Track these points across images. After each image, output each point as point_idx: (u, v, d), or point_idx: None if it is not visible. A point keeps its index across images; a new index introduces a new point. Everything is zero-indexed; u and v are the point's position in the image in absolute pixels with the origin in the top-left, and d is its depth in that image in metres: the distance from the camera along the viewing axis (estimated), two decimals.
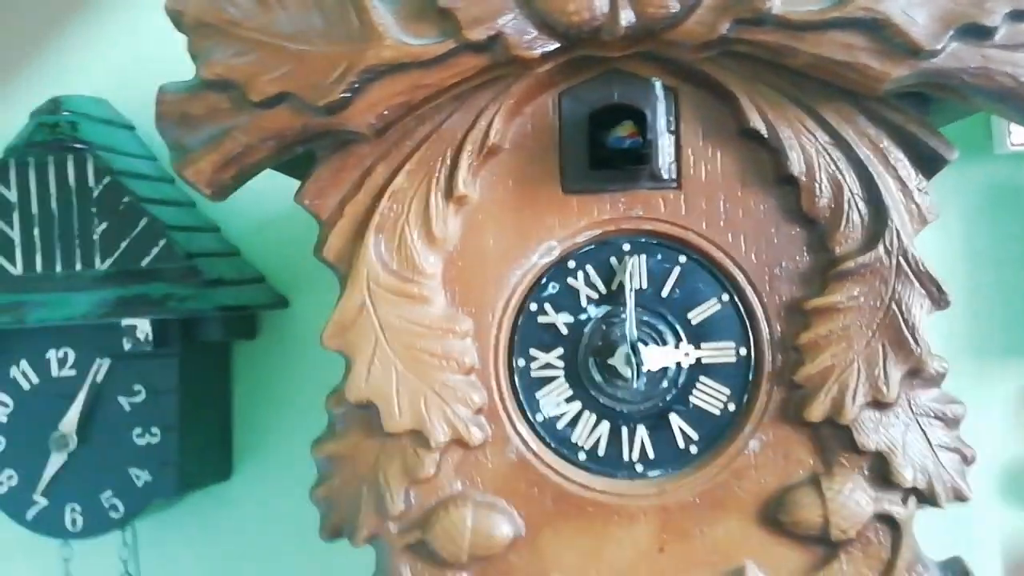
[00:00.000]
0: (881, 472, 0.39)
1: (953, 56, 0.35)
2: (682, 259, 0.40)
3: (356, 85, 0.35)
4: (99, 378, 0.51)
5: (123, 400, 0.51)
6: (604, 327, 0.40)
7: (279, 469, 0.58)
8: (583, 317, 0.40)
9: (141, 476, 0.52)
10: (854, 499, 0.38)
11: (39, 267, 0.51)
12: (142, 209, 0.51)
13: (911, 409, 0.39)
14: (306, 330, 0.56)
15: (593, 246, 0.40)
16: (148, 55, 0.54)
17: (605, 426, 0.41)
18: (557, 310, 0.40)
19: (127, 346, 0.49)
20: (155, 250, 0.50)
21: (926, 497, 0.39)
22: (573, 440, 0.41)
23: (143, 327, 0.49)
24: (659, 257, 0.40)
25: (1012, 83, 0.35)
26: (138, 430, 0.51)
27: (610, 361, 0.40)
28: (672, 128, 0.39)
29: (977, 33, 0.35)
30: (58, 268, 0.51)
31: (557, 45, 0.36)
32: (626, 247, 0.40)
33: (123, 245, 0.50)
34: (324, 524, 0.41)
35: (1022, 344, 0.55)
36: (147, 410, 0.51)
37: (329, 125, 0.36)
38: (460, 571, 0.40)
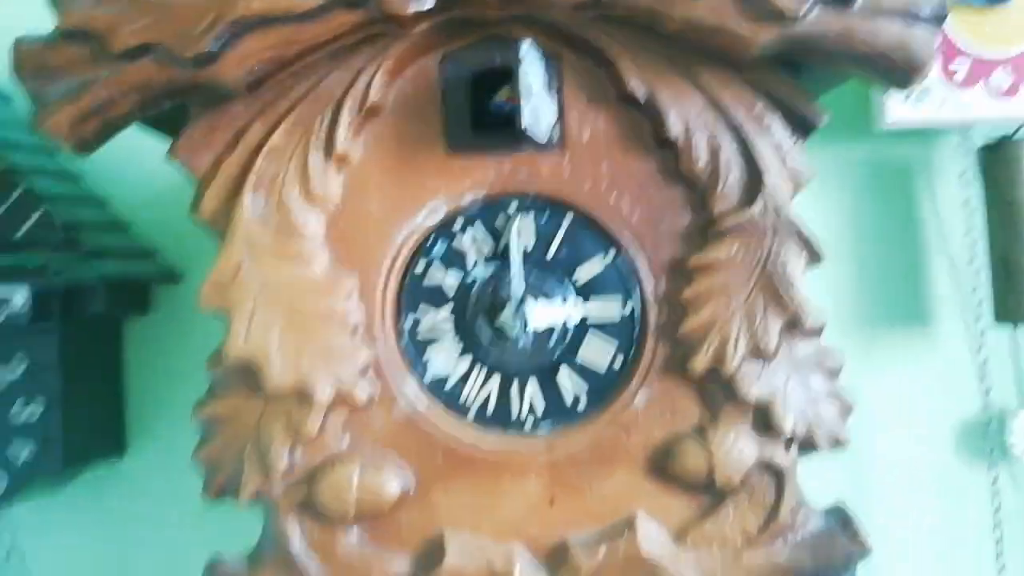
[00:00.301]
0: (763, 421, 0.40)
1: (817, 22, 0.36)
2: (568, 219, 0.40)
3: (225, 37, 0.34)
4: None
5: (3, 373, 0.49)
6: (492, 286, 0.40)
7: (175, 443, 0.56)
8: (471, 277, 0.40)
9: (23, 452, 0.49)
10: (738, 448, 0.39)
11: None
12: (15, 178, 0.48)
13: (791, 359, 0.40)
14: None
15: (479, 207, 0.40)
16: (20, 21, 0.51)
17: (494, 384, 0.41)
18: (445, 270, 0.40)
19: (2, 318, 0.47)
20: (31, 221, 0.48)
21: (806, 444, 0.40)
22: (462, 399, 0.41)
23: (20, 297, 0.46)
24: (545, 217, 0.40)
25: (870, 49, 0.36)
26: (18, 405, 0.49)
27: (498, 319, 0.40)
28: (556, 92, 0.39)
29: (838, 0, 0.36)
30: None
31: (432, 4, 0.35)
32: (512, 207, 0.40)
33: None
34: (208, 484, 0.40)
35: (904, 314, 0.57)
36: (28, 384, 0.49)
37: (197, 79, 0.35)
38: (349, 528, 0.39)
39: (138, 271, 0.52)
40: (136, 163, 0.55)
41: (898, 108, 0.51)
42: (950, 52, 0.51)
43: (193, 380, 0.53)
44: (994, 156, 0.52)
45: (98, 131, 0.35)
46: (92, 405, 0.53)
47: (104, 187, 0.57)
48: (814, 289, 0.55)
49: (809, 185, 0.56)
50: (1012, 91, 0.51)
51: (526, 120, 0.36)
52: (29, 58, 0.35)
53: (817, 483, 0.42)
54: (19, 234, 0.48)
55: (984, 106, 0.51)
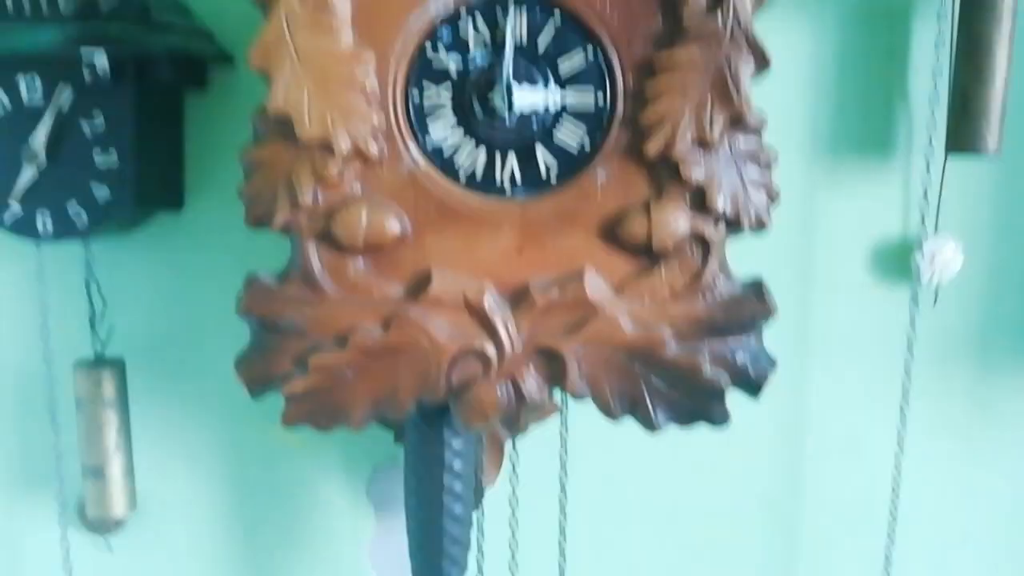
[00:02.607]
0: (699, 200, 0.48)
1: None
2: (557, 16, 0.47)
3: None
4: (63, 105, 0.59)
5: (84, 124, 0.59)
6: (486, 70, 0.48)
7: (225, 204, 0.66)
8: (470, 61, 0.48)
9: (102, 191, 0.60)
10: (675, 219, 0.48)
11: (9, 5, 0.57)
12: None
13: (731, 151, 0.48)
14: (251, 86, 0.63)
15: (482, 1, 0.47)
16: None
17: (482, 153, 0.49)
18: (448, 54, 0.48)
19: (87, 78, 0.56)
20: None
21: (733, 222, 0.49)
22: (456, 163, 0.49)
23: (101, 60, 0.56)
24: (537, 14, 0.47)
25: None
26: (98, 150, 0.59)
27: (489, 99, 0.48)
28: None
29: None
30: (26, 7, 0.57)
31: None
32: (510, 3, 0.47)
33: None
34: (248, 214, 0.50)
35: (868, 140, 0.63)
36: (106, 134, 0.59)
37: None
38: (357, 257, 0.49)
39: (198, 48, 0.61)
40: None
41: None
42: None
43: (239, 148, 0.62)
44: None
45: None
46: (157, 160, 0.63)
47: None
48: (789, 111, 0.62)
49: (794, 16, 0.62)
50: None
51: None
52: None
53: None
54: (103, 8, 0.56)
55: None
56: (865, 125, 0.63)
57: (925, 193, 0.61)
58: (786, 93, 0.62)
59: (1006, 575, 0.69)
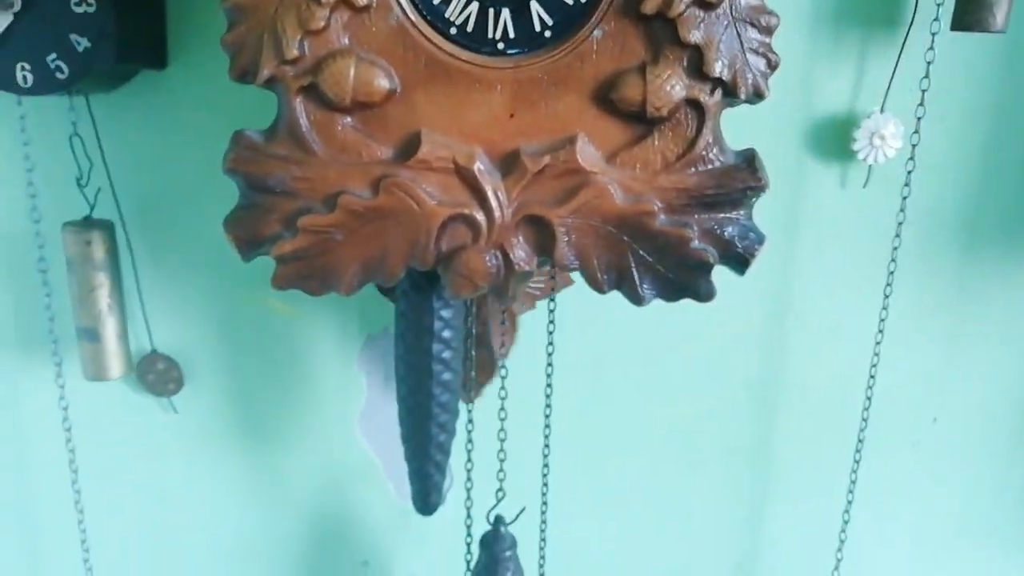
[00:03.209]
0: (696, 64, 0.46)
1: None
2: None
3: None
4: None
5: None
6: None
7: (210, 59, 0.64)
8: None
9: (81, 42, 0.58)
10: (670, 83, 0.46)
11: None
12: None
13: (731, 13, 0.46)
14: None
15: None
16: None
17: (474, 6, 0.47)
18: None
19: None
20: None
21: (730, 89, 0.47)
22: (446, 15, 0.47)
23: None
24: None
25: None
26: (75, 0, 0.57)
27: None
28: None
29: None
30: None
31: None
32: None
33: None
34: (232, 66, 0.48)
35: (862, 10, 0.61)
36: None
37: None
38: (345, 114, 0.48)
39: None
40: None
41: None
42: None
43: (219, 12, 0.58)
44: None
45: None
46: (138, 12, 0.61)
47: None
48: None
49: None
50: None
51: None
52: None
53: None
54: None
55: None
56: None
57: (927, 69, 0.59)
58: None
59: (977, 456, 0.72)
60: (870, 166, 0.63)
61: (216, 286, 0.70)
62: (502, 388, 0.62)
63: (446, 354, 0.54)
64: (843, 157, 0.64)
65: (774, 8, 0.46)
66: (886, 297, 0.63)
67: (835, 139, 0.64)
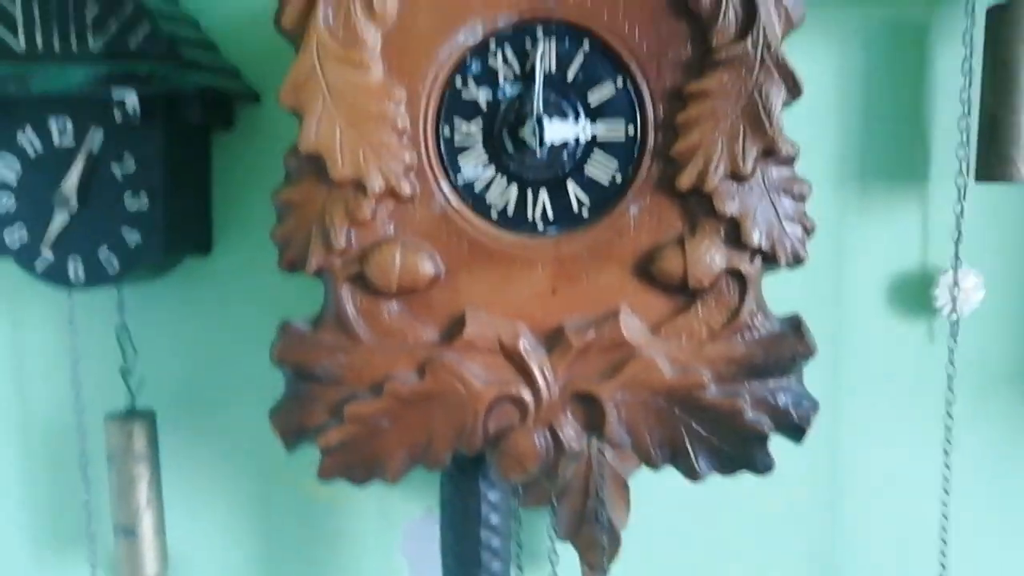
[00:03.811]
0: (734, 235, 0.47)
1: None
2: (586, 46, 0.47)
3: None
4: (94, 147, 0.59)
5: (115, 168, 0.59)
6: (517, 103, 0.48)
7: (254, 247, 0.66)
8: (500, 94, 0.48)
9: (133, 237, 0.60)
10: (710, 255, 0.47)
11: (39, 44, 0.57)
12: None
13: (764, 183, 0.47)
14: (278, 124, 0.63)
15: (511, 31, 0.47)
16: None
17: (514, 190, 0.49)
18: (478, 86, 0.48)
19: (118, 118, 0.56)
20: (141, 33, 0.57)
21: (770, 257, 0.47)
22: (487, 200, 0.49)
23: (131, 100, 0.56)
24: (567, 43, 0.47)
25: None
26: (129, 195, 0.59)
27: (520, 133, 0.47)
28: None
29: None
30: (56, 46, 0.58)
31: None
32: (539, 32, 0.47)
33: (112, 27, 0.57)
34: (282, 257, 0.49)
35: (885, 165, 0.62)
36: (136, 178, 0.59)
37: None
38: (391, 300, 0.49)
39: (226, 86, 0.61)
40: None
41: None
42: None
43: (267, 189, 0.62)
44: (998, 16, 0.55)
45: None
46: (186, 203, 0.63)
47: (197, 12, 0.65)
48: (818, 135, 0.61)
49: (821, 40, 0.61)
50: None
51: None
52: None
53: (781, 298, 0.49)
54: (132, 45, 0.57)
55: None
56: (894, 152, 0.62)
57: (958, 222, 0.60)
58: (812, 120, 0.61)
59: None
60: (955, 319, 0.61)
61: (253, 476, 0.69)
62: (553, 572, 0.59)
63: (495, 542, 0.52)
64: (898, 307, 0.63)
65: (805, 169, 0.48)
66: (946, 451, 0.61)
67: (885, 291, 0.63)
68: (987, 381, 0.64)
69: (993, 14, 0.56)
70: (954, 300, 0.60)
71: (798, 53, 0.47)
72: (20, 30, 0.57)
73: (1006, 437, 0.65)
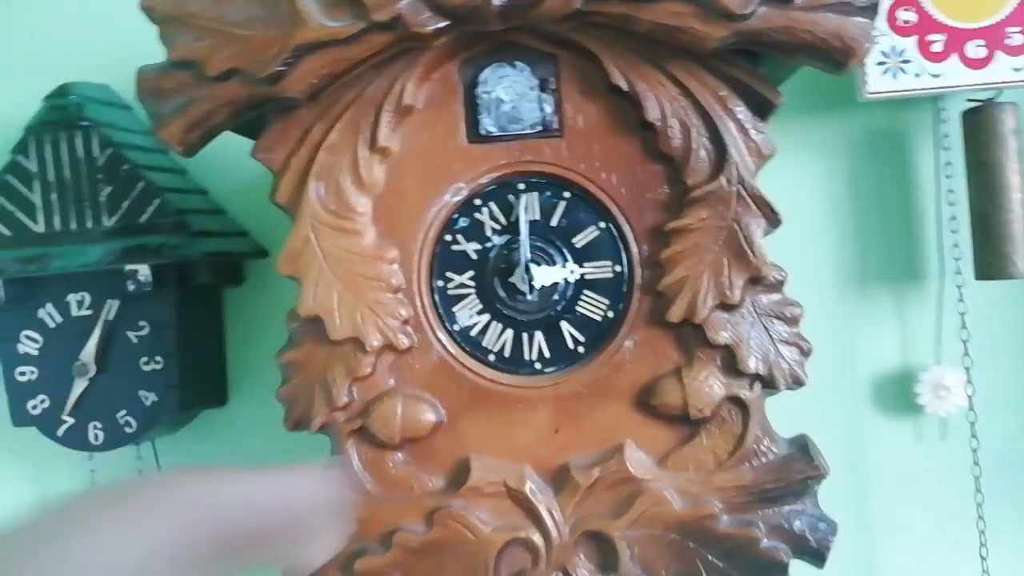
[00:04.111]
0: (730, 362, 0.47)
1: (762, 18, 0.43)
2: (567, 194, 0.49)
3: (289, 60, 0.44)
4: (110, 316, 0.61)
5: (131, 334, 0.62)
6: (505, 252, 0.49)
7: (267, 394, 0.67)
8: (488, 245, 0.49)
9: (149, 397, 0.62)
10: (708, 385, 0.47)
11: (57, 226, 0.61)
12: (139, 175, 0.60)
13: (755, 310, 0.47)
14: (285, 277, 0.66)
15: (495, 186, 0.49)
16: (138, 43, 0.63)
17: (509, 333, 0.50)
18: (467, 240, 0.50)
19: (131, 288, 0.59)
20: (151, 208, 0.60)
21: (768, 382, 0.47)
22: (484, 345, 0.50)
23: (144, 272, 0.59)
24: (548, 193, 0.49)
25: (811, 38, 0.43)
26: (144, 359, 0.61)
27: (510, 279, 0.49)
28: (554, 87, 0.48)
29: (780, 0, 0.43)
30: (72, 226, 0.61)
31: (446, 22, 0.44)
32: (521, 186, 0.49)
33: (124, 205, 0.60)
34: (287, 417, 0.50)
35: (886, 269, 0.63)
36: (151, 342, 0.61)
37: (270, 93, 0.45)
38: (395, 451, 0.49)
39: (233, 248, 0.64)
40: (227, 159, 0.67)
41: (878, 80, 0.55)
42: (927, 26, 0.55)
43: (279, 339, 0.64)
44: (972, 120, 0.56)
45: (201, 137, 0.46)
46: (201, 360, 0.65)
47: (205, 179, 0.69)
48: (811, 246, 0.62)
49: (804, 153, 0.63)
50: (986, 60, 0.55)
51: (489, 127, 0.46)
52: (148, 83, 0.46)
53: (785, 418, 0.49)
54: (143, 220, 0.60)
55: (960, 75, 0.55)
56: (885, 255, 0.63)
57: (963, 320, 0.59)
58: (807, 230, 0.62)
59: None
60: (941, 418, 0.61)
61: None
62: None
63: None
64: (910, 412, 0.62)
65: (801, 272, 0.48)
66: (983, 560, 0.59)
67: (897, 395, 0.63)
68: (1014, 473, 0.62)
69: (968, 118, 0.57)
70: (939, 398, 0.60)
71: (785, 167, 0.49)
72: (39, 214, 0.61)
73: None
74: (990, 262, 0.56)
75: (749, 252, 0.46)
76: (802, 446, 0.48)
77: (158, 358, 0.62)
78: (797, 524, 0.47)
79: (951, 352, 0.61)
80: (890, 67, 0.54)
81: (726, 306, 0.47)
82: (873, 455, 0.63)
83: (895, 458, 0.63)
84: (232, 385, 0.69)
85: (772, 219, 0.46)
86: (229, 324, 0.68)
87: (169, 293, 0.61)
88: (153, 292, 0.59)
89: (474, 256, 0.50)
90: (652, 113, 0.46)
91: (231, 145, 0.54)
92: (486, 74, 0.48)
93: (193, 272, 0.62)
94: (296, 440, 0.63)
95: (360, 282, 0.48)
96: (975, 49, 0.55)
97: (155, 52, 0.47)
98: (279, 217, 0.52)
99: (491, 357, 0.50)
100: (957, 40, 0.54)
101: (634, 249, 0.48)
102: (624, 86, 0.46)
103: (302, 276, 0.48)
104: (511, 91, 0.48)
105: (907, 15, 0.54)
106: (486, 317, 0.50)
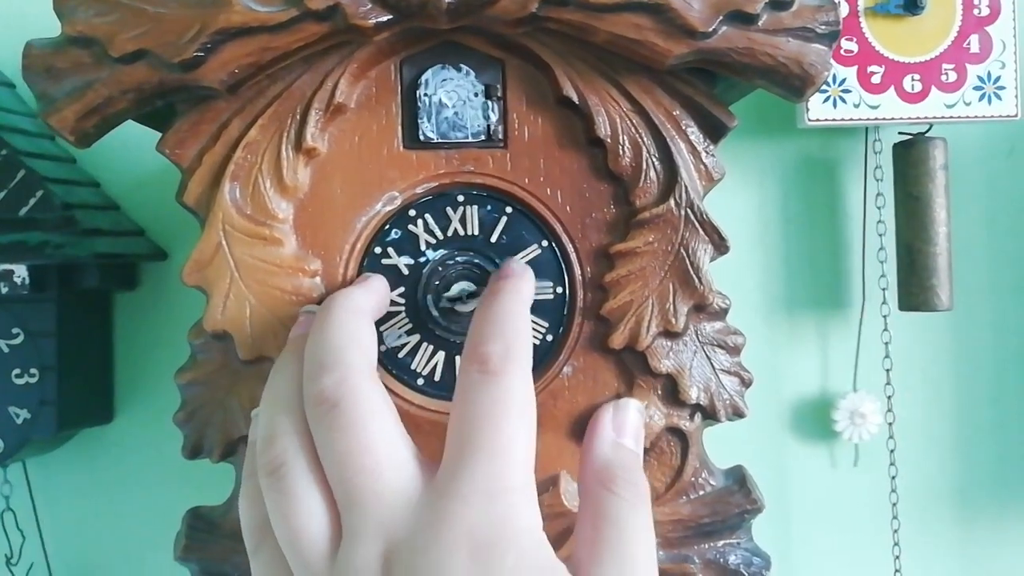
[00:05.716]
0: (671, 392, 0.45)
1: (724, 38, 0.41)
2: (508, 210, 0.46)
3: (208, 45, 0.39)
4: None
5: (2, 343, 0.54)
6: (440, 268, 0.46)
7: (159, 412, 0.61)
8: (422, 260, 0.46)
9: (20, 414, 0.55)
10: (648, 414, 0.45)
11: None
12: (19, 162, 0.53)
13: (698, 338, 0.46)
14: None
15: (431, 197, 0.45)
16: (26, 15, 0.56)
17: (440, 355, 0.46)
18: (399, 253, 0.46)
19: (4, 290, 0.52)
20: (32, 201, 0.53)
21: (709, 413, 0.46)
22: (413, 367, 0.46)
23: (20, 272, 0.52)
24: (489, 208, 0.46)
25: (772, 61, 0.42)
26: (17, 371, 0.54)
27: (442, 300, 0.45)
28: (499, 94, 0.45)
29: (743, 19, 0.41)
30: None
31: (389, 16, 0.41)
32: (460, 198, 0.46)
33: (0, 196, 0.53)
34: (185, 445, 0.45)
35: (813, 296, 0.63)
36: (25, 352, 0.54)
37: (184, 81, 0.40)
38: None
39: (128, 249, 0.58)
40: (126, 149, 0.61)
41: (819, 108, 0.56)
42: (868, 57, 0.56)
43: (179, 352, 0.58)
44: (904, 153, 0.57)
45: (98, 126, 0.41)
46: (84, 374, 0.58)
47: (98, 170, 0.62)
48: (742, 274, 0.61)
49: (740, 177, 0.62)
50: (922, 95, 0.56)
51: (428, 132, 0.43)
52: (38, 59, 0.40)
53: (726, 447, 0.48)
54: (22, 213, 0.53)
55: (896, 108, 0.56)
56: (812, 283, 0.63)
57: (887, 349, 0.60)
58: (736, 255, 0.62)
59: None
60: (856, 445, 0.62)
61: None
62: None
63: None
64: (827, 438, 0.63)
65: (730, 296, 0.47)
66: None
67: (816, 421, 0.63)
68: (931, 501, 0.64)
69: (899, 151, 0.58)
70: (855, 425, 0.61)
71: (720, 189, 0.47)
72: None
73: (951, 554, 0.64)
74: (915, 294, 0.57)
75: (695, 278, 0.44)
76: (739, 478, 0.47)
77: (33, 370, 0.55)
78: (732, 559, 0.46)
79: (872, 380, 0.62)
80: (831, 95, 0.54)
81: (670, 333, 0.45)
82: (793, 481, 0.63)
83: (813, 484, 0.64)
84: (119, 401, 0.62)
85: (720, 245, 0.45)
86: (119, 333, 0.62)
87: (49, 297, 0.54)
88: (30, 296, 0.52)
89: (406, 271, 0.46)
90: (602, 129, 0.44)
91: (131, 133, 0.48)
92: (428, 75, 0.44)
93: (79, 274, 0.55)
94: (193, 465, 0.57)
95: (276, 296, 0.44)
96: (911, 83, 0.55)
97: (48, 25, 0.41)
98: (182, 215, 0.47)
99: (419, 381, 0.46)
100: (895, 73, 0.55)
101: (577, 271, 0.46)
102: (575, 99, 0.44)
103: (210, 287, 0.43)
104: (454, 96, 0.44)
105: (849, 44, 0.55)
106: (416, 338, 0.46)
